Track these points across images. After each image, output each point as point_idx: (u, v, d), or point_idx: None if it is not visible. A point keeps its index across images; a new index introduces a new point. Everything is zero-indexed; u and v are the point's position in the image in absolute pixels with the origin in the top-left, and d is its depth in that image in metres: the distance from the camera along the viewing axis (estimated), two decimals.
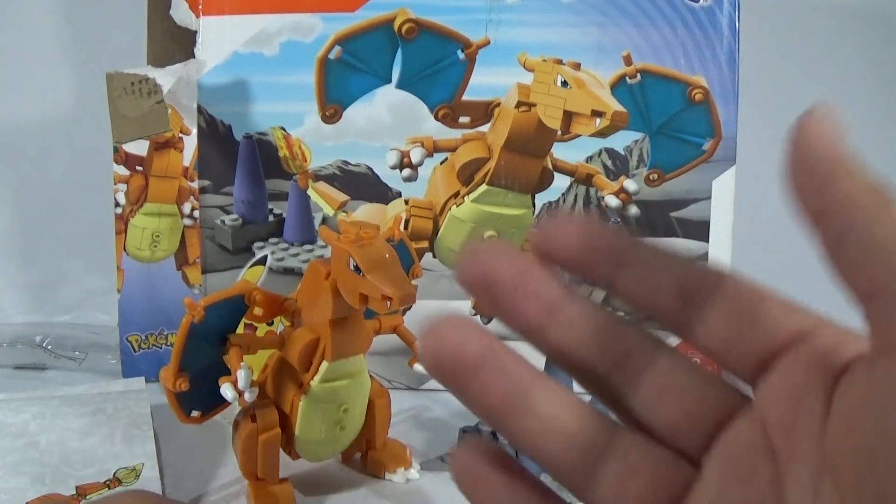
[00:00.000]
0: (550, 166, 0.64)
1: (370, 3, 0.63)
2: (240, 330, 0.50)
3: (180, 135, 0.65)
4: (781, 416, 0.19)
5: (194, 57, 0.64)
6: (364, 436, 0.53)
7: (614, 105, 0.56)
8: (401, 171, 0.64)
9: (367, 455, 0.54)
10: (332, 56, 0.63)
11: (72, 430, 0.54)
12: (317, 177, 0.66)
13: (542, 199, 0.65)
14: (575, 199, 0.65)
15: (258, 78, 0.65)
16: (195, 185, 0.66)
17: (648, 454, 0.21)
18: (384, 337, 0.53)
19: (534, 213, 0.65)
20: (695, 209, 0.65)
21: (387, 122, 0.65)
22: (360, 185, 0.66)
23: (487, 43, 0.63)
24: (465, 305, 0.67)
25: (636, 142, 0.65)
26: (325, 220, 0.66)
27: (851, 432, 0.17)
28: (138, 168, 0.65)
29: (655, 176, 0.65)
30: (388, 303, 0.43)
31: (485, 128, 0.64)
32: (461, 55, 0.63)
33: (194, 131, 0.65)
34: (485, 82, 0.64)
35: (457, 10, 0.63)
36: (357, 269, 0.44)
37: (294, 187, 0.66)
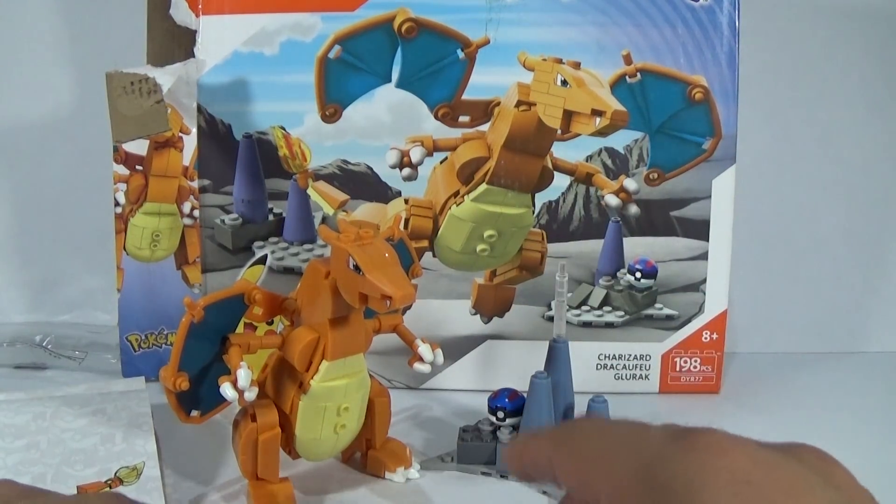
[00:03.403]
0: (550, 165, 0.64)
1: (370, 3, 0.63)
2: (240, 329, 0.50)
3: (180, 134, 0.65)
4: None
5: (194, 56, 0.64)
6: (364, 435, 0.53)
7: (614, 104, 0.56)
8: (401, 170, 0.64)
9: (367, 454, 0.54)
10: (331, 55, 0.63)
11: (72, 430, 0.54)
12: (316, 176, 0.66)
13: (542, 198, 0.65)
14: (575, 199, 0.65)
15: (258, 77, 0.65)
16: (195, 184, 0.66)
17: None
18: (384, 336, 0.53)
19: (534, 212, 0.65)
20: (695, 208, 0.65)
21: (387, 121, 0.65)
22: (359, 184, 0.66)
23: (487, 42, 0.63)
24: (465, 305, 0.67)
25: (636, 141, 0.65)
26: (324, 220, 0.66)
27: None
28: (138, 167, 0.65)
29: (655, 175, 0.65)
30: (388, 302, 0.43)
31: (485, 127, 0.64)
32: (461, 54, 0.63)
33: (194, 131, 0.65)
34: (485, 81, 0.64)
35: (457, 10, 0.63)
36: (357, 268, 0.44)
37: (294, 187, 0.66)
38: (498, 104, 0.63)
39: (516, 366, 0.65)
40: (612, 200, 0.64)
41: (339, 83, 0.64)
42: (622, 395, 0.67)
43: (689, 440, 0.22)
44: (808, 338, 0.78)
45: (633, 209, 0.65)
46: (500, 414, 0.55)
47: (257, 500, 0.48)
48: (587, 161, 0.65)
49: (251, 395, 0.46)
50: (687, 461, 0.21)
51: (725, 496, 0.20)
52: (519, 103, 0.61)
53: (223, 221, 0.67)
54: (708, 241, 0.66)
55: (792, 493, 0.20)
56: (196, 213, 0.66)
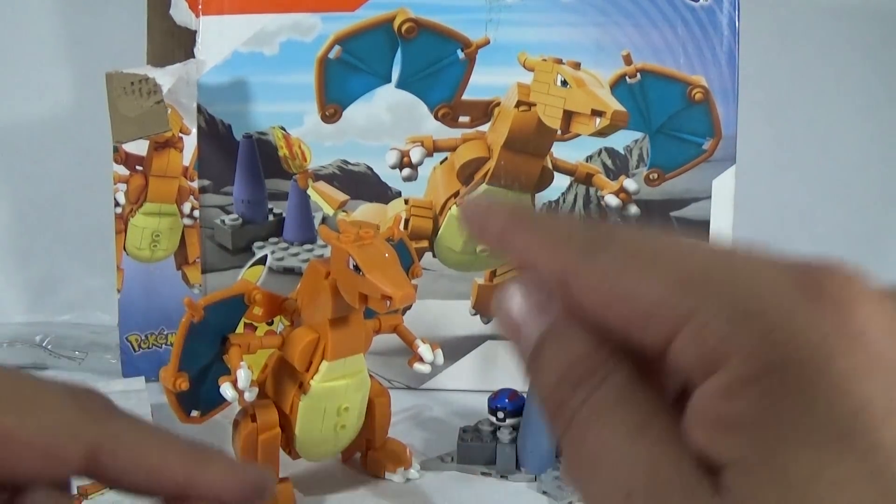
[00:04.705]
0: (550, 166, 0.64)
1: (370, 3, 0.63)
2: (240, 329, 0.50)
3: (180, 134, 0.65)
4: None
5: (194, 56, 0.64)
6: (364, 435, 0.53)
7: (614, 104, 0.56)
8: (401, 170, 0.64)
9: (367, 455, 0.54)
10: (331, 56, 0.63)
11: None
12: (317, 176, 0.66)
13: (542, 198, 0.65)
14: (575, 199, 0.65)
15: (258, 77, 0.64)
16: (195, 184, 0.66)
17: None
18: (384, 336, 0.53)
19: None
20: (695, 208, 0.65)
21: (387, 121, 0.65)
22: (359, 184, 0.66)
23: (487, 42, 0.63)
24: (464, 305, 0.67)
25: (636, 141, 0.65)
26: (324, 220, 0.66)
27: None
28: (138, 168, 0.65)
29: (655, 175, 0.65)
30: (388, 302, 0.43)
31: (485, 127, 0.64)
32: (461, 55, 0.63)
33: (194, 131, 0.65)
34: (485, 82, 0.64)
35: (457, 10, 0.63)
36: (357, 268, 0.44)
37: (294, 187, 0.66)
38: (498, 104, 0.63)
39: (516, 366, 0.65)
40: (613, 201, 0.64)
41: (339, 83, 0.64)
42: None
43: (817, 287, 0.16)
44: None
45: (633, 209, 0.65)
46: (500, 414, 0.55)
47: None
48: (587, 161, 0.65)
49: (251, 395, 0.46)
50: (815, 317, 0.16)
51: (867, 375, 0.15)
52: (519, 103, 0.61)
53: (223, 222, 0.67)
54: (708, 241, 0.66)
55: None
56: (196, 213, 0.66)
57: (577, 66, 0.60)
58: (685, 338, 0.17)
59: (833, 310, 0.16)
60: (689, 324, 0.16)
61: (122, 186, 0.65)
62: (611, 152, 0.65)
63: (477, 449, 0.55)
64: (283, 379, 0.50)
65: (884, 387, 0.15)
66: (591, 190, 0.65)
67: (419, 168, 0.64)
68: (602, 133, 0.57)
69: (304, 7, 0.64)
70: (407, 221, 0.64)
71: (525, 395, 0.55)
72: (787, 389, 0.15)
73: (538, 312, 0.20)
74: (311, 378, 0.48)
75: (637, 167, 0.65)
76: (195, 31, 0.64)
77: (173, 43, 0.65)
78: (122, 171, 0.65)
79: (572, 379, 0.18)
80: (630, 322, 0.18)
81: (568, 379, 0.19)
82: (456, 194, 0.64)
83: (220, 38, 0.64)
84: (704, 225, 0.65)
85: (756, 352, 0.16)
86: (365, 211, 0.66)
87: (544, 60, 0.60)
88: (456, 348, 0.67)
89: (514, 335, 0.21)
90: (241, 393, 0.46)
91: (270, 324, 0.58)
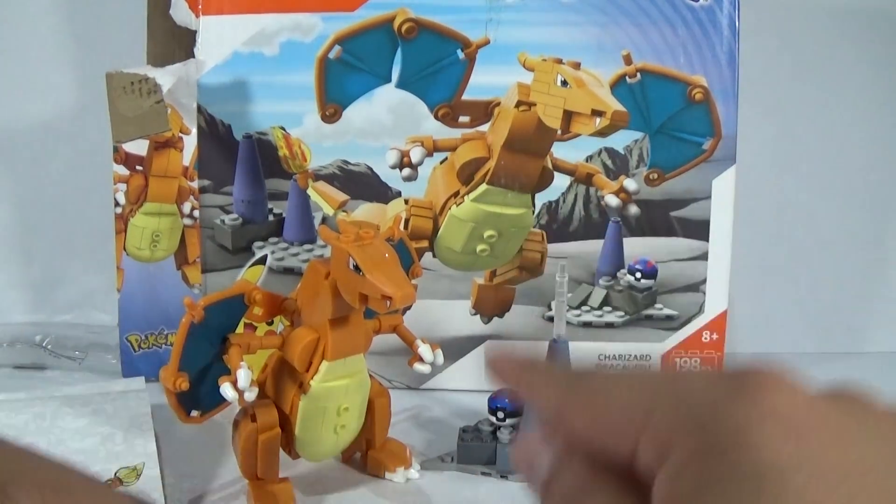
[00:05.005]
0: (550, 166, 0.64)
1: (370, 3, 0.63)
2: (240, 329, 0.50)
3: (180, 134, 0.65)
4: None
5: (194, 56, 0.64)
6: (364, 435, 0.53)
7: (614, 104, 0.56)
8: (401, 170, 0.64)
9: (367, 455, 0.54)
10: (331, 55, 0.63)
11: (72, 430, 0.54)
12: (317, 176, 0.66)
13: (542, 198, 0.65)
14: (575, 199, 0.65)
15: (258, 77, 0.65)
16: (195, 184, 0.66)
17: None
18: (384, 336, 0.53)
19: (534, 212, 0.65)
20: (695, 208, 0.65)
21: (387, 121, 0.65)
22: (359, 184, 0.66)
23: (487, 42, 0.63)
24: (464, 305, 0.67)
25: (636, 141, 0.65)
26: (324, 220, 0.66)
27: None
28: (138, 168, 0.65)
29: (655, 175, 0.65)
30: (388, 302, 0.43)
31: (485, 127, 0.64)
32: (461, 55, 0.63)
33: (194, 131, 0.65)
34: (485, 82, 0.64)
35: (457, 10, 0.63)
36: (357, 268, 0.44)
37: (294, 187, 0.66)
38: (498, 104, 0.63)
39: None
40: (612, 201, 0.64)
41: (339, 83, 0.64)
42: None
43: (736, 383, 0.21)
44: (808, 338, 0.78)
45: (633, 209, 0.65)
46: (500, 414, 0.55)
47: (257, 500, 0.49)
48: (587, 161, 0.65)
49: (251, 395, 0.46)
50: (735, 404, 0.20)
51: (776, 440, 0.19)
52: (519, 103, 0.61)
53: (223, 221, 0.67)
54: (708, 241, 0.66)
55: (841, 443, 0.20)
56: (196, 213, 0.66)
57: (577, 66, 0.60)
58: (646, 439, 0.21)
59: (750, 399, 0.20)
60: (647, 428, 0.21)
61: (122, 186, 0.65)
62: (611, 152, 0.65)
63: (477, 449, 0.55)
64: (283, 379, 0.50)
65: (789, 447, 0.19)
66: (591, 190, 0.65)
67: (419, 168, 0.64)
68: (602, 133, 0.57)
69: (304, 7, 0.64)
70: (407, 221, 0.64)
71: None
72: (712, 464, 0.19)
73: (545, 449, 0.24)
74: (311, 378, 0.48)
75: (637, 167, 0.65)
76: (195, 31, 0.64)
77: (173, 43, 0.65)
78: (122, 171, 0.65)
79: None
80: (609, 435, 0.22)
81: None
82: (456, 194, 0.64)
83: (220, 38, 0.64)
84: (704, 225, 0.66)
85: (691, 440, 0.20)
86: (365, 211, 0.66)
87: (544, 60, 0.60)
88: (456, 348, 0.67)
89: (529, 472, 0.25)
90: (241, 393, 0.46)
91: (270, 324, 0.59)
